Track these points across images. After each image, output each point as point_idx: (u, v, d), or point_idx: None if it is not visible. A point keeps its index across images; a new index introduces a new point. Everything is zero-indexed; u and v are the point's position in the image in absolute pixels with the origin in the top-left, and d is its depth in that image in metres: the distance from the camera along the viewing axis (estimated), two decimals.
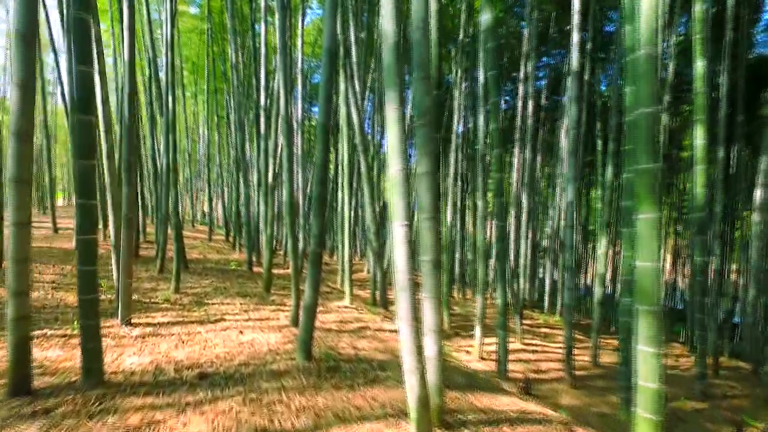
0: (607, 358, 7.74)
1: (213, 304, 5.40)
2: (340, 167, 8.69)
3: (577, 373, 6.35)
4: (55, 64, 8.18)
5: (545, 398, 5.57)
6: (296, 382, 3.14)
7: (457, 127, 10.61)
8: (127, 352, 3.57)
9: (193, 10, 15.98)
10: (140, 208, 10.19)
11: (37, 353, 3.34)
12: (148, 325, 4.29)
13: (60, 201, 25.77)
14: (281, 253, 11.50)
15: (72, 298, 4.92)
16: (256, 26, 8.83)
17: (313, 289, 3.51)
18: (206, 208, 17.50)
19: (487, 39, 5.49)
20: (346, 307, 6.20)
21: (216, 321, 4.62)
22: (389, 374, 3.50)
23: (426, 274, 2.40)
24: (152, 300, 5.25)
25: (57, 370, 3.03)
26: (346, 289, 6.57)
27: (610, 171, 7.32)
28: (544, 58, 14.01)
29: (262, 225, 9.17)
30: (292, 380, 3.16)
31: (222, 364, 3.39)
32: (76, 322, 4.00)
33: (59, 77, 8.76)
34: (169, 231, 7.69)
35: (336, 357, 3.82)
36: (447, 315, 7.98)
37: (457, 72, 10.65)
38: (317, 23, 14.70)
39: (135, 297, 5.28)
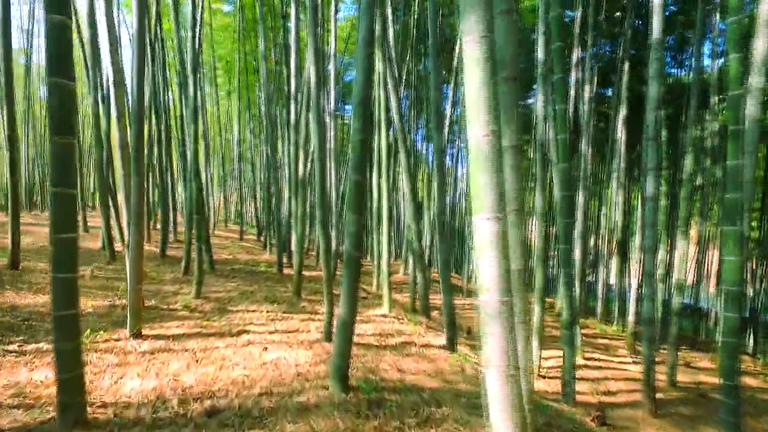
0: (684, 376, 6.69)
1: (237, 311, 4.82)
2: (375, 162, 8.02)
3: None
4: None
5: (624, 429, 4.67)
6: (329, 423, 2.45)
7: None
8: (129, 374, 2.99)
9: (226, 8, 15.78)
10: (171, 205, 9.88)
11: (24, 374, 2.81)
12: (161, 337, 3.72)
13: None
14: (313, 253, 10.95)
15: (87, 303, 4.45)
16: (288, 15, 8.30)
17: (350, 301, 2.81)
18: (238, 207, 17.30)
19: (549, 6, 4.67)
20: (384, 315, 5.50)
21: (238, 333, 4.01)
22: (446, 411, 2.76)
23: (512, 290, 1.65)
24: (170, 306, 4.71)
25: (37, 399, 2.46)
26: (385, 294, 5.86)
27: (689, 161, 6.30)
28: (592, 48, 12.91)
29: (293, 223, 8.63)
30: (323, 420, 2.47)
31: (238, 394, 2.74)
32: None
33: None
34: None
35: (378, 384, 3.11)
36: None
37: None
38: (351, 20, 14.20)
39: (152, 302, 4.78)
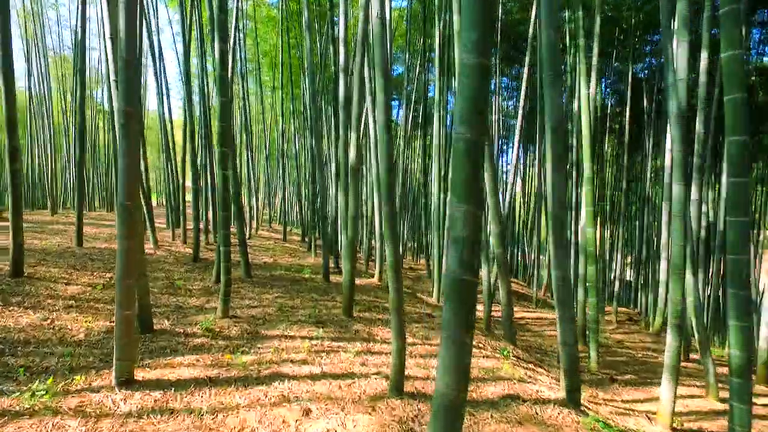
0: None
1: (271, 337, 3.65)
2: (435, 151, 6.69)
3: None
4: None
5: None
6: None
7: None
8: None
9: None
10: (212, 203, 9.01)
11: None
12: (159, 385, 2.58)
13: (154, 202, 26.75)
14: (360, 255, 9.74)
15: (83, 326, 3.44)
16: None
17: (458, 366, 1.50)
18: (283, 206, 16.49)
19: None
20: None
21: (269, 378, 2.82)
22: None
23: None
24: (187, 330, 3.61)
25: None
26: None
27: None
28: (656, 36, 10.89)
29: (340, 224, 7.47)
30: None
31: None
32: (38, 383, 2.40)
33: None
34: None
35: None
36: (594, 350, 5.60)
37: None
38: (399, 11, 13.04)
39: (165, 324, 3.70)
